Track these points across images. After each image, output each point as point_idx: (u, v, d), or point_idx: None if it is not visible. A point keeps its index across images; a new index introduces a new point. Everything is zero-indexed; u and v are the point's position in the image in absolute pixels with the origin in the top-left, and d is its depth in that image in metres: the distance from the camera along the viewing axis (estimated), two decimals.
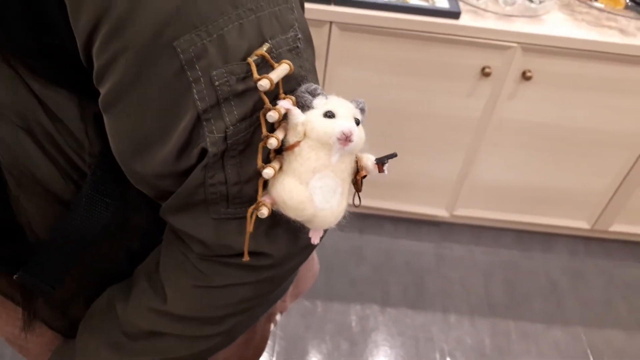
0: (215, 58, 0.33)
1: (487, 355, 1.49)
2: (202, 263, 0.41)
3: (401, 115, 1.55)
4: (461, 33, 1.35)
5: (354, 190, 0.40)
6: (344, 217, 0.39)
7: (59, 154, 0.38)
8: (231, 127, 0.34)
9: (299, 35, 0.37)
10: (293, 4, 0.38)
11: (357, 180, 0.38)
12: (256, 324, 0.62)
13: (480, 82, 1.44)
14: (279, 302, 0.65)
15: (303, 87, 0.37)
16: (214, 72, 0.33)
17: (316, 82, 0.40)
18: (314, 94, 0.36)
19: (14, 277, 0.40)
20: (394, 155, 0.39)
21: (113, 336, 0.45)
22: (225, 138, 0.35)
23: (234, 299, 0.43)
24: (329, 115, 0.35)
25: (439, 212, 1.77)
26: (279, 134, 0.35)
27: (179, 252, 0.42)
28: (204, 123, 0.34)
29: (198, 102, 0.33)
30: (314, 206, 0.35)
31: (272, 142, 0.35)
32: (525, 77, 1.40)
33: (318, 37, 1.40)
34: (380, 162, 0.38)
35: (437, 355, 1.47)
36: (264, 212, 0.35)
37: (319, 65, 1.46)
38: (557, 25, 1.38)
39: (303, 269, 0.72)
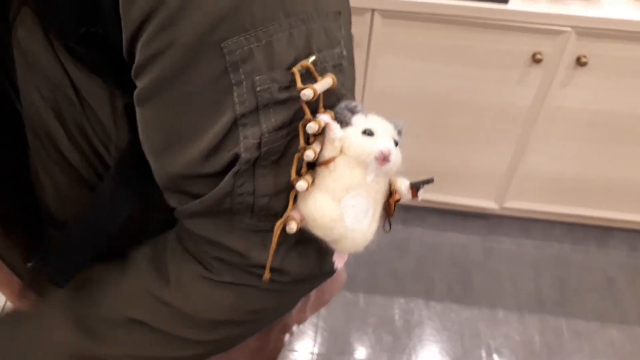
0: (261, 64, 0.32)
1: (537, 352, 1.43)
2: (216, 261, 0.40)
3: (447, 104, 1.50)
4: (510, 18, 1.28)
5: (385, 215, 0.39)
6: (372, 242, 0.38)
7: (85, 142, 0.38)
8: (267, 135, 0.34)
9: (344, 53, 0.37)
10: (342, 22, 0.37)
11: (390, 204, 0.37)
12: (270, 333, 0.61)
13: (531, 69, 1.37)
14: (295, 313, 0.63)
15: (343, 104, 0.36)
16: (257, 78, 0.32)
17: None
18: (353, 111, 0.35)
19: (28, 265, 0.40)
20: (430, 181, 0.37)
21: (86, 316, 0.41)
22: (259, 145, 0.34)
23: (236, 303, 0.41)
24: (368, 133, 0.35)
25: (488, 204, 1.72)
26: (316, 147, 0.35)
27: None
28: (240, 128, 0.34)
29: (237, 105, 0.33)
30: (344, 225, 0.34)
31: (309, 154, 0.34)
32: (579, 63, 1.32)
33: (359, 25, 1.38)
34: (415, 187, 0.37)
35: (483, 352, 1.43)
36: (293, 226, 0.34)
37: (360, 54, 1.43)
38: (616, 7, 1.29)
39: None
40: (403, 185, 0.37)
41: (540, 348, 1.44)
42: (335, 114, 0.36)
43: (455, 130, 1.55)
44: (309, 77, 0.34)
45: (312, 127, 0.33)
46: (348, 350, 1.42)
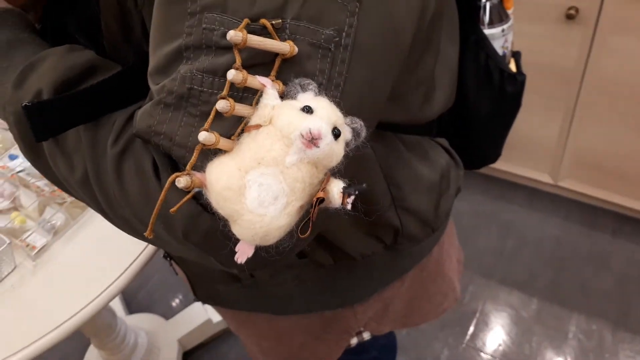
0: (216, 3, 0.32)
1: None
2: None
3: None
4: None
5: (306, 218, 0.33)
6: (285, 244, 0.32)
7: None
8: (195, 72, 0.33)
9: (344, 42, 0.33)
10: (356, 9, 0.32)
11: (313, 202, 0.31)
12: (332, 331, 0.62)
13: None
14: (367, 319, 0.62)
15: (297, 80, 0.32)
16: (207, 15, 0.32)
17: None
18: (304, 89, 0.32)
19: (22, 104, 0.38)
20: (363, 188, 0.32)
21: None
22: (184, 79, 0.33)
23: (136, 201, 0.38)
24: (307, 110, 0.31)
25: None
26: (242, 108, 0.32)
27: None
28: (184, 61, 0.33)
29: (185, 35, 0.33)
30: (240, 202, 0.30)
31: (222, 105, 0.30)
32: None
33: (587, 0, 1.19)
34: (347, 192, 0.31)
35: None
36: (182, 181, 0.31)
37: (585, 33, 1.24)
38: None
39: (423, 300, 0.66)
40: (335, 187, 0.32)
41: None
42: (286, 88, 0.32)
43: None
44: (267, 37, 0.31)
45: (232, 73, 0.30)
46: (500, 351, 1.31)
